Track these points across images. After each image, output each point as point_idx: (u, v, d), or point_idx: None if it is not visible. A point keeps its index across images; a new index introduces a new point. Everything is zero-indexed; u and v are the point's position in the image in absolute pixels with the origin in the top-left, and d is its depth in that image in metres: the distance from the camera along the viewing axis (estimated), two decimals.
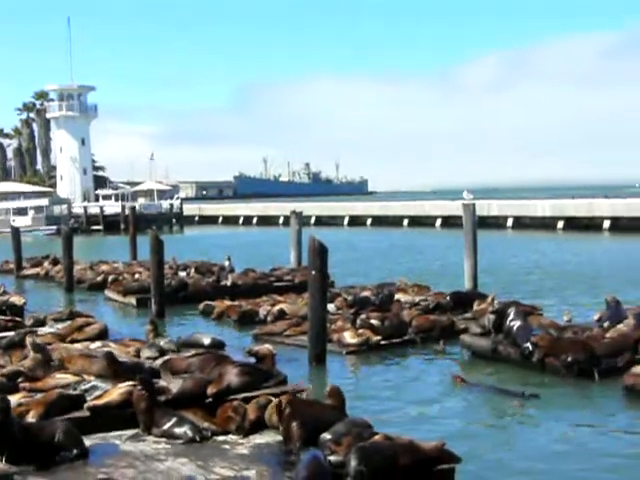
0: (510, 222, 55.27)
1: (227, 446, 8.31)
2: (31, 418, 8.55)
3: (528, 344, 13.07)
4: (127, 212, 54.86)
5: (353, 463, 7.18)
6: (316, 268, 13.60)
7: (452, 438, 8.69)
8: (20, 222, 58.47)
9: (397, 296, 18.92)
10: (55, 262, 30.72)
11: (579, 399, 11.52)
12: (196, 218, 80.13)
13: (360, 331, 15.19)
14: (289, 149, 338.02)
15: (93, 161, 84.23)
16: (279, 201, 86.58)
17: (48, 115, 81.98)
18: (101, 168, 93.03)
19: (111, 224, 67.97)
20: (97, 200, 75.66)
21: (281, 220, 67.08)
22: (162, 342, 12.47)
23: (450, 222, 54.04)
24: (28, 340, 11.40)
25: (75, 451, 7.84)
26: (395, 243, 45.07)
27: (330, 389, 9.09)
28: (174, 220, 73.49)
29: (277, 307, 18.12)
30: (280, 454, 7.96)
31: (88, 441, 8.17)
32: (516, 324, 13.62)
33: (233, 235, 58.67)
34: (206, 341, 12.75)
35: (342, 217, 67.70)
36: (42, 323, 15.72)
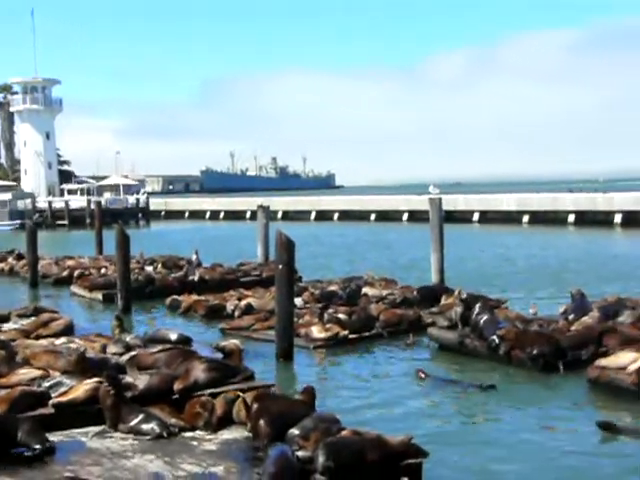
0: (476, 216, 55.59)
1: (195, 442, 8.27)
2: None
3: (494, 337, 13.18)
4: (93, 207, 54.29)
5: (321, 459, 7.18)
6: (283, 262, 13.58)
7: (419, 432, 8.75)
8: None
9: (364, 290, 18.99)
10: (20, 257, 30.41)
11: (544, 391, 11.63)
12: (162, 213, 79.58)
13: (328, 325, 15.21)
14: (256, 143, 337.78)
15: (58, 155, 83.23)
16: (246, 196, 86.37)
17: (12, 109, 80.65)
18: (66, 162, 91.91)
19: (76, 219, 67.23)
20: (62, 195, 74.76)
21: (248, 215, 66.79)
22: (128, 338, 12.37)
23: (417, 216, 54.18)
24: None
25: (38, 447, 7.73)
26: (362, 237, 45.17)
27: (305, 387, 9.12)
28: (140, 215, 72.79)
29: (244, 302, 18.08)
30: (248, 450, 7.93)
31: (53, 438, 8.09)
32: (483, 317, 13.75)
33: (200, 230, 58.36)
34: (173, 336, 12.63)
35: (309, 212, 67.60)
36: (6, 319, 15.51)
